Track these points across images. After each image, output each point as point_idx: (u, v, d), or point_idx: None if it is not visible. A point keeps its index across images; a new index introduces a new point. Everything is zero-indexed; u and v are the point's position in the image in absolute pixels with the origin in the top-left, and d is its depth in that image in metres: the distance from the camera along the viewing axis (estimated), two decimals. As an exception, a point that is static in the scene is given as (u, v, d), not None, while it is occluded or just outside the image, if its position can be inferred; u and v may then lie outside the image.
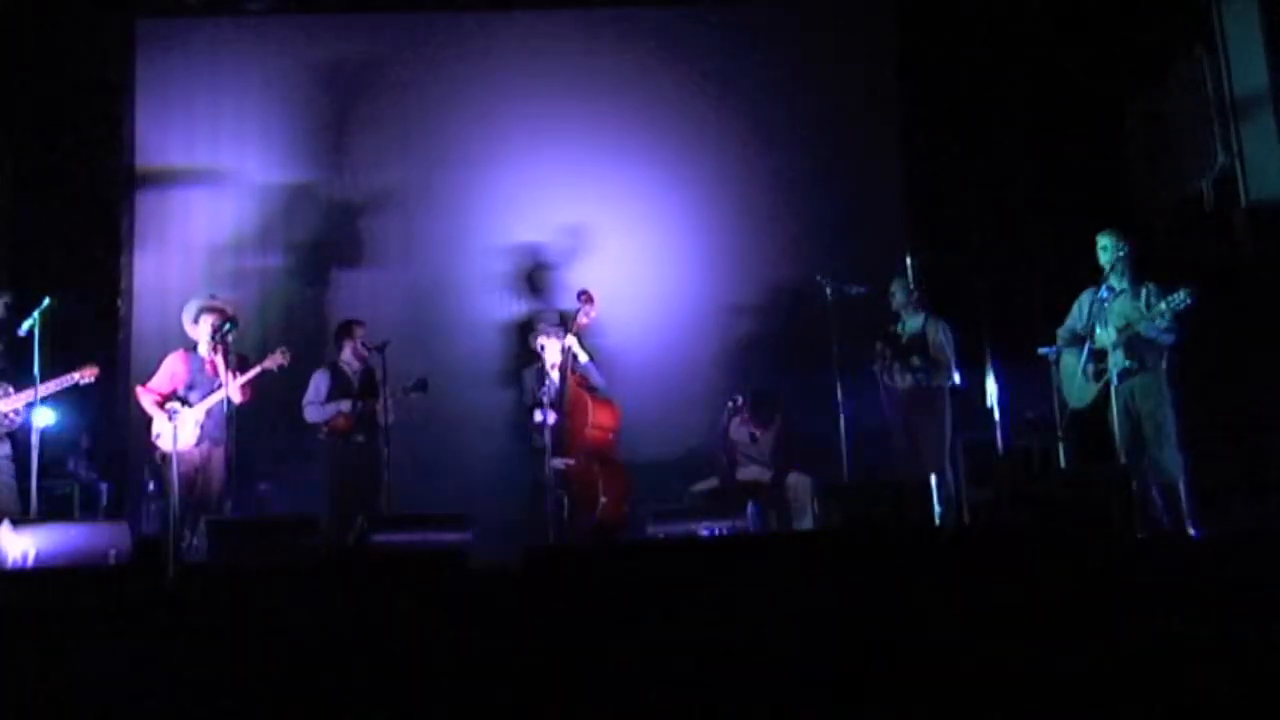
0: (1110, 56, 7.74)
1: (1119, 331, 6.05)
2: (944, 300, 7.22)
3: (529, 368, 7.51)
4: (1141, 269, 6.15)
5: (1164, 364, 6.05)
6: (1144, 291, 6.08)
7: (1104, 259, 6.15)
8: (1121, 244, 6.13)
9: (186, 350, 6.78)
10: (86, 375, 6.44)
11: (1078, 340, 6.26)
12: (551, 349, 7.25)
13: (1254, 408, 6.68)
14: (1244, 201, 6.82)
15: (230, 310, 6.84)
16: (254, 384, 6.73)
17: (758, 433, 7.33)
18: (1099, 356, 6.10)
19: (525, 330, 7.85)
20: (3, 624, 4.02)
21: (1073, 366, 6.22)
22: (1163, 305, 5.86)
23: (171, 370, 6.74)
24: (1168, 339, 5.98)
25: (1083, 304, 6.29)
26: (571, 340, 7.20)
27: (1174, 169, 7.59)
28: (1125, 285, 6.13)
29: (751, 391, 7.36)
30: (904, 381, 6.95)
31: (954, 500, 7.02)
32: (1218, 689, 3.91)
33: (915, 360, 6.92)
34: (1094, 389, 6.13)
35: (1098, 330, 6.12)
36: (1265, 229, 6.72)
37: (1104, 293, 6.12)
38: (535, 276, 8.27)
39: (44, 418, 6.30)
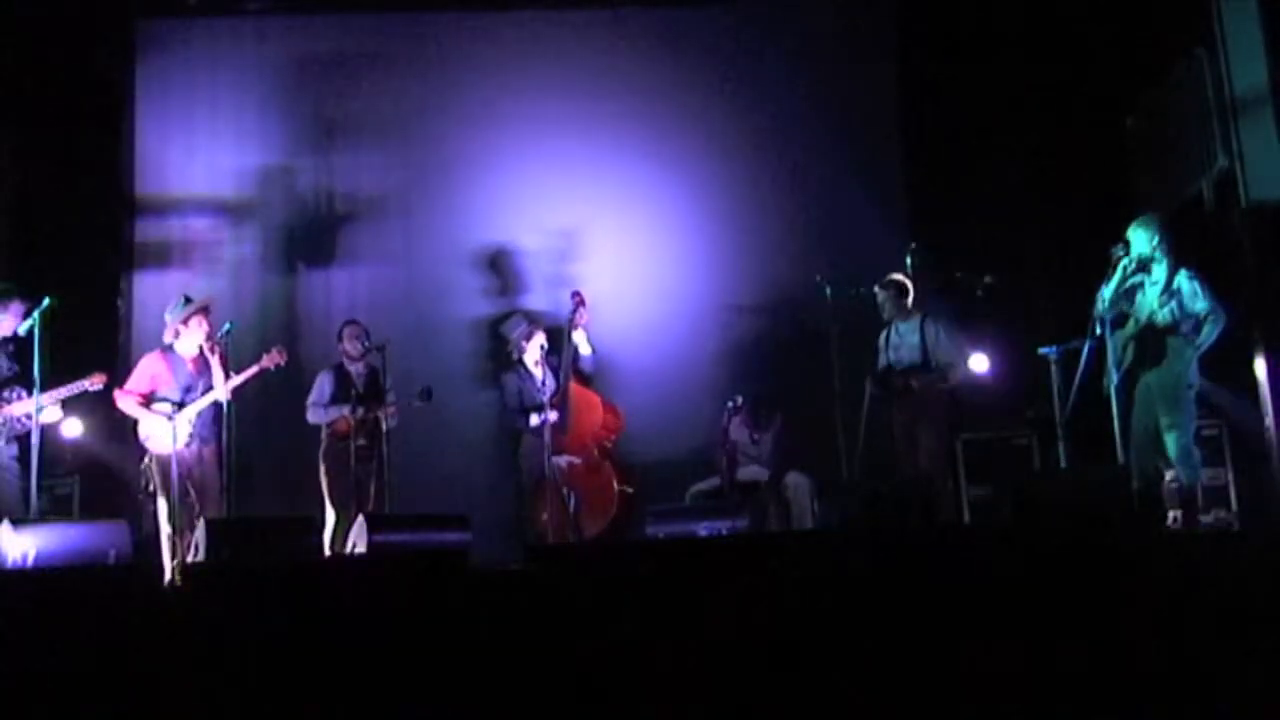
0: (1110, 56, 7.74)
1: (1136, 324, 6.02)
2: (944, 299, 7.22)
3: (507, 373, 7.49)
4: (1180, 259, 6.08)
5: (1185, 360, 5.99)
6: (1177, 281, 6.02)
7: (1141, 249, 6.08)
8: (1155, 234, 6.08)
9: (164, 350, 6.67)
10: (95, 383, 6.43)
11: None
12: (531, 349, 7.25)
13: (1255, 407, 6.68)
14: (1244, 201, 6.82)
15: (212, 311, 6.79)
16: (244, 384, 6.66)
17: (758, 435, 7.33)
18: (1121, 347, 6.07)
19: (495, 335, 7.85)
20: (3, 624, 4.01)
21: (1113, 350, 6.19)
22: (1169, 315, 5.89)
23: (152, 371, 6.62)
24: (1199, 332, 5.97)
25: (1117, 280, 6.18)
26: (580, 336, 7.22)
27: (1174, 169, 7.58)
28: (1161, 276, 6.07)
29: (751, 395, 7.36)
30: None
31: (954, 500, 7.03)
32: (1218, 688, 3.91)
33: (919, 375, 6.89)
34: (1117, 374, 6.07)
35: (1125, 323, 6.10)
36: (1265, 229, 6.71)
37: (1136, 278, 6.07)
38: (534, 276, 8.27)
39: (52, 415, 6.42)
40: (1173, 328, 5.94)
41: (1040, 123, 7.97)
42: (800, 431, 7.32)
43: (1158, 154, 7.80)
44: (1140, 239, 6.10)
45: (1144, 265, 6.10)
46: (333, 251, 8.30)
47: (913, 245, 7.29)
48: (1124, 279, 6.05)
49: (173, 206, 8.28)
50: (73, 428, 6.94)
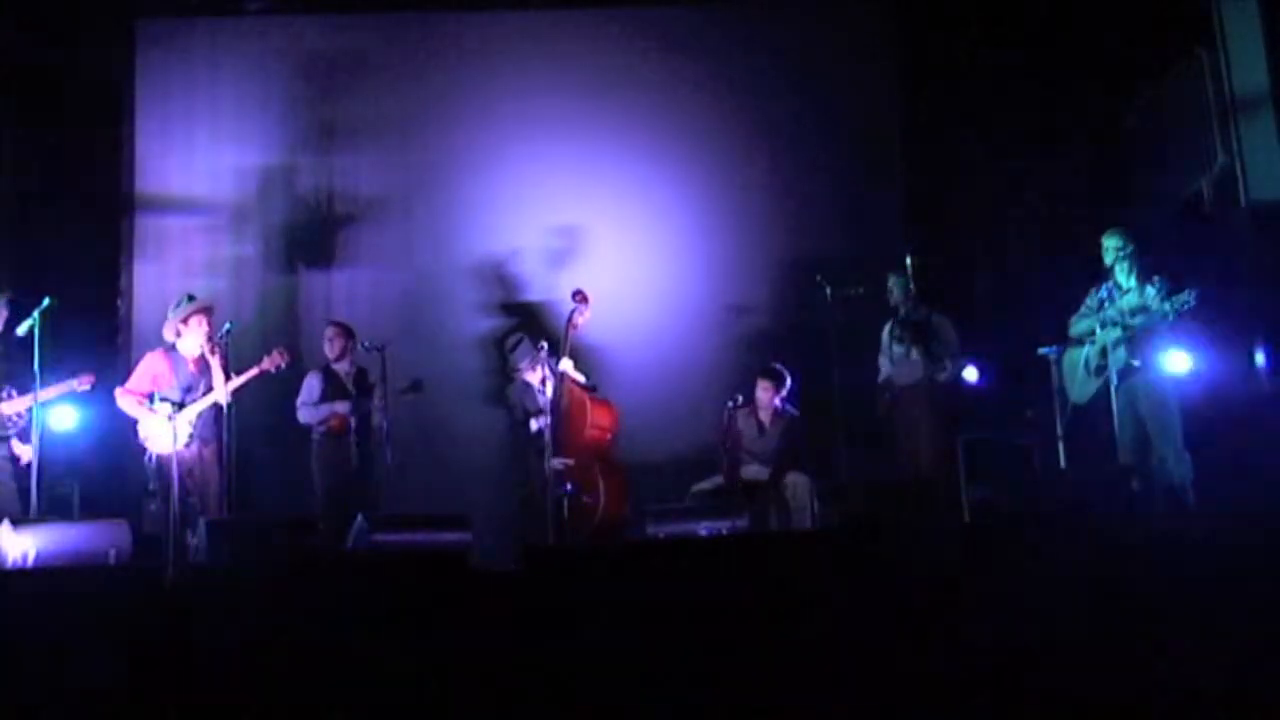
0: (1110, 56, 7.74)
1: (1123, 329, 6.07)
2: (944, 299, 7.22)
3: (510, 384, 7.57)
4: (1147, 267, 6.18)
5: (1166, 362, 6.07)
6: (1149, 289, 6.09)
7: (1108, 258, 6.19)
8: (1127, 243, 6.16)
9: (166, 350, 6.65)
10: (83, 383, 6.43)
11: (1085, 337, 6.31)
12: (533, 378, 7.27)
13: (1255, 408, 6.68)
14: (1244, 201, 6.83)
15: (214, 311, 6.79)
16: (244, 385, 6.66)
17: (766, 423, 7.27)
18: (1101, 353, 6.13)
19: (500, 347, 7.85)
20: (3, 624, 4.02)
21: (1075, 362, 6.26)
22: (1168, 306, 5.91)
23: (153, 371, 6.59)
24: (1174, 335, 6.01)
25: (1092, 300, 6.32)
26: (567, 364, 7.23)
27: (1174, 168, 7.59)
28: (1132, 283, 6.14)
29: (761, 361, 7.39)
30: (911, 376, 6.93)
31: (954, 500, 7.02)
32: (1217, 687, 3.91)
33: (926, 346, 6.91)
34: (1094, 384, 6.18)
35: (1097, 330, 6.17)
36: (1265, 229, 6.72)
37: (1103, 291, 6.17)
38: (534, 276, 8.26)
39: (65, 420, 6.46)
40: (1152, 332, 5.99)
41: (1040, 121, 7.97)
42: (800, 431, 7.31)
43: (1157, 153, 7.81)
44: (1110, 250, 6.19)
45: (1109, 272, 6.21)
46: (333, 252, 8.29)
47: (912, 245, 7.29)
48: (1099, 305, 6.20)
49: (173, 206, 8.26)
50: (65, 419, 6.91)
